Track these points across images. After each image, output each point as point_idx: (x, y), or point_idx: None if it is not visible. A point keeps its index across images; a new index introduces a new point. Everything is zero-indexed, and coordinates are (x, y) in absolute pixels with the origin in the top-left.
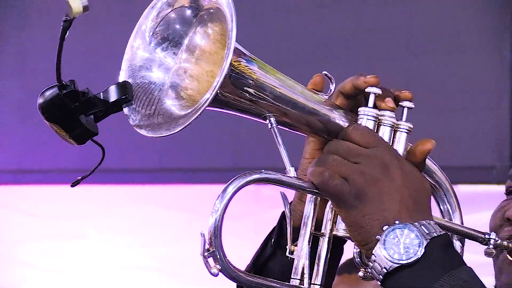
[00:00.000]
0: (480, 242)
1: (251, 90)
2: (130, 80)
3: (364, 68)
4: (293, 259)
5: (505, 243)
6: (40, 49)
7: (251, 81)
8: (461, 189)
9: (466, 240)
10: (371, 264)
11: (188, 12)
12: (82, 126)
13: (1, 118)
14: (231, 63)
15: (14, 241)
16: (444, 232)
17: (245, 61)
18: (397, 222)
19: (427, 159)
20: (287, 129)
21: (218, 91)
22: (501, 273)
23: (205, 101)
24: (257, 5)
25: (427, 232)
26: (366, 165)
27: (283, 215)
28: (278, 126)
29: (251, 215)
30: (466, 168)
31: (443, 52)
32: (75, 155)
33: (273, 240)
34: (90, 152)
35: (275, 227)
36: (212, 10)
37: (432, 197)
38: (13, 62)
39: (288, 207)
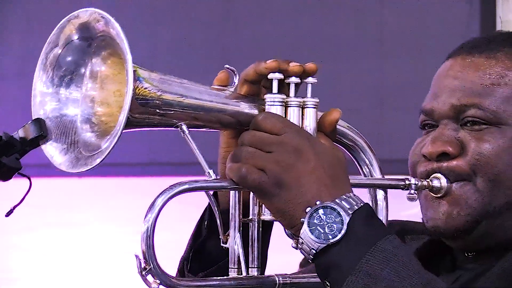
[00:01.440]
0: (402, 189)
1: (158, 108)
2: (42, 116)
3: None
4: (228, 248)
5: (425, 183)
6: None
7: (156, 101)
8: None
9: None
10: (299, 246)
11: (80, 44)
12: (5, 166)
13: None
14: (133, 89)
15: (18, 230)
16: (364, 203)
17: (146, 82)
18: (318, 202)
19: (337, 125)
20: (200, 130)
21: (129, 116)
22: (427, 210)
23: (120, 126)
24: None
25: (348, 207)
26: (279, 152)
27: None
28: (191, 130)
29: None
30: None
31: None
32: None
33: (206, 223)
34: None
35: (205, 209)
36: (103, 37)
37: (352, 158)
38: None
39: (214, 202)
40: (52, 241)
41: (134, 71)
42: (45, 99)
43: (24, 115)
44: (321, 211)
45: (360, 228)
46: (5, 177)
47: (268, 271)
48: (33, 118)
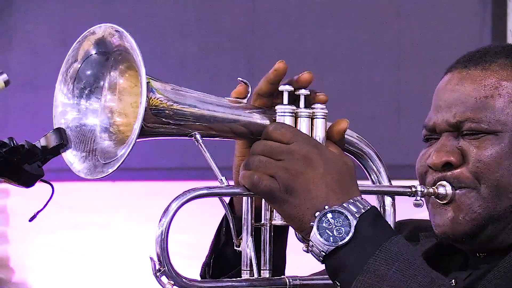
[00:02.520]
0: (408, 195)
1: (172, 118)
2: (63, 126)
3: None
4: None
5: (431, 190)
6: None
7: (170, 111)
8: None
9: None
10: (310, 249)
11: (98, 58)
12: (27, 173)
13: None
14: (147, 100)
15: (49, 231)
16: (371, 206)
17: (159, 93)
18: (326, 207)
19: (346, 135)
20: (214, 139)
21: (143, 125)
22: (435, 216)
23: (134, 135)
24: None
25: (355, 210)
26: (289, 160)
27: (229, 203)
28: (205, 139)
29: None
30: None
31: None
32: None
33: (224, 229)
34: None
35: (223, 216)
36: (120, 51)
37: (361, 166)
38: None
39: (228, 208)
40: (79, 241)
41: (148, 83)
42: (66, 109)
43: (35, 122)
44: (329, 215)
45: (367, 230)
46: (28, 183)
47: (287, 273)
48: (54, 128)
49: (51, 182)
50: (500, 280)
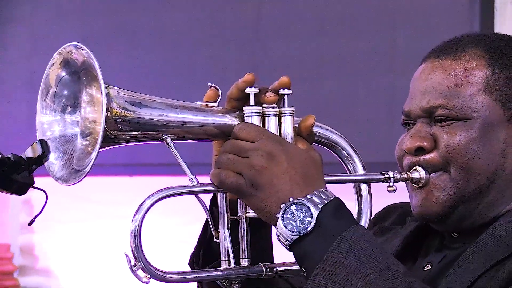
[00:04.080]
0: (382, 182)
1: (139, 125)
2: (45, 137)
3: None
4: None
5: (404, 175)
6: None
7: (135, 119)
8: None
9: None
10: (278, 238)
11: (70, 78)
12: (18, 182)
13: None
14: (111, 112)
15: (71, 221)
16: (334, 197)
17: (122, 103)
18: (291, 199)
19: (314, 129)
20: (189, 141)
21: (109, 132)
22: (412, 199)
23: (97, 145)
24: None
25: (318, 201)
26: (254, 157)
27: (212, 199)
28: (179, 142)
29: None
30: None
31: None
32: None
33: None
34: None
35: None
36: (86, 67)
37: (336, 155)
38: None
39: (204, 204)
40: (99, 231)
41: (107, 93)
42: (48, 122)
43: (31, 130)
44: (293, 207)
45: (328, 220)
46: (20, 192)
47: (280, 260)
48: (37, 139)
49: (44, 189)
50: (472, 260)
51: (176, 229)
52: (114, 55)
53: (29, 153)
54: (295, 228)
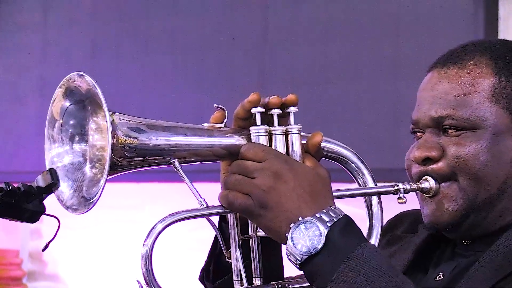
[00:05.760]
0: (392, 193)
1: (145, 152)
2: (54, 166)
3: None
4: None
5: (414, 186)
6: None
7: (140, 146)
8: None
9: None
10: (288, 258)
11: (75, 107)
12: (29, 211)
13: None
14: (117, 139)
15: (80, 227)
16: (343, 215)
17: (126, 130)
18: (300, 218)
19: (322, 143)
20: (197, 163)
21: (115, 160)
22: (423, 208)
23: (105, 173)
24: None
25: (327, 220)
26: (261, 178)
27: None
28: (187, 164)
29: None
30: None
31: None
32: None
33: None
34: None
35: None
36: (90, 95)
37: (345, 169)
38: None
39: (215, 225)
40: (107, 237)
41: (112, 121)
42: (57, 155)
43: (41, 136)
44: (302, 226)
45: (337, 238)
46: (32, 220)
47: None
48: (46, 168)
49: (56, 215)
50: (484, 271)
51: (183, 236)
52: (125, 60)
53: (39, 182)
54: (304, 247)
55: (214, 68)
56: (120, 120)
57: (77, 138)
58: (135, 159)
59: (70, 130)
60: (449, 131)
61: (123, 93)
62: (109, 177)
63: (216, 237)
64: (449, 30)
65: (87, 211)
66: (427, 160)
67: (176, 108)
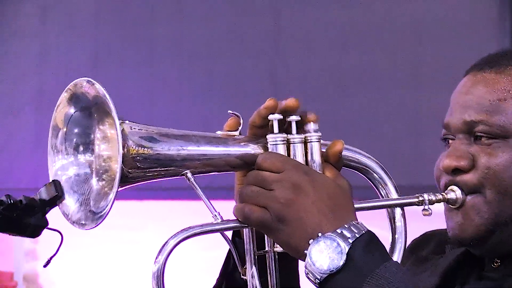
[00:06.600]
0: (417, 205)
1: (157, 162)
2: (58, 177)
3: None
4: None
5: (440, 196)
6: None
7: (153, 156)
8: None
9: None
10: (306, 276)
11: (81, 114)
12: (31, 226)
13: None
14: (128, 150)
15: (76, 247)
16: (365, 230)
17: (138, 139)
18: (319, 234)
19: (346, 150)
20: (211, 174)
21: (126, 171)
22: (447, 220)
23: (115, 183)
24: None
25: (349, 236)
26: (279, 189)
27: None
28: (200, 175)
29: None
30: None
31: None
32: None
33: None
34: None
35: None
36: (97, 102)
37: (367, 180)
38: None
39: (230, 241)
40: (106, 257)
41: (122, 130)
42: (61, 167)
43: (40, 147)
44: (322, 243)
45: (359, 256)
46: (34, 234)
47: None
48: (50, 180)
49: (59, 230)
50: None
51: (192, 255)
52: (129, 69)
53: (42, 194)
54: (324, 265)
55: (223, 76)
56: (131, 129)
57: (81, 148)
58: (147, 170)
59: (75, 139)
60: (481, 138)
61: (126, 103)
62: (119, 189)
63: (228, 254)
64: (474, 37)
65: (96, 226)
66: (456, 171)
67: (182, 118)
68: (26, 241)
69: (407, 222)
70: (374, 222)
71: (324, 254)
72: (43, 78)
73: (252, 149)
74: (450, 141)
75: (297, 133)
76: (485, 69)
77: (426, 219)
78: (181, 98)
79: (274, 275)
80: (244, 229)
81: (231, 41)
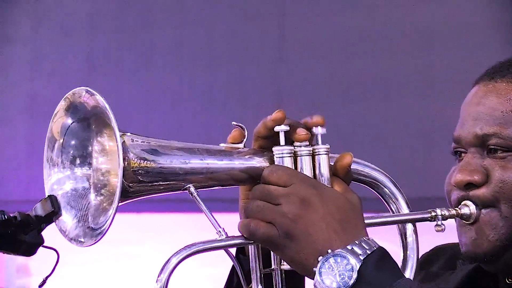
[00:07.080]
0: (429, 221)
1: (159, 176)
2: (54, 193)
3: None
4: None
5: (453, 212)
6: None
7: (154, 169)
8: None
9: None
10: None
11: (79, 125)
12: (26, 243)
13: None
14: (128, 163)
15: (70, 263)
16: (377, 247)
17: (139, 152)
18: (329, 251)
19: (352, 165)
20: (214, 188)
21: (127, 186)
22: (460, 236)
23: (116, 197)
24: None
25: (360, 252)
26: (287, 204)
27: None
28: (204, 190)
29: None
30: None
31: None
32: None
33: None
34: None
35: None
36: (96, 113)
37: (377, 194)
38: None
39: (234, 259)
40: (102, 273)
41: (123, 142)
42: (57, 181)
43: (32, 155)
44: (332, 260)
45: (371, 273)
46: (28, 253)
47: None
48: (46, 195)
49: (55, 248)
50: None
51: (195, 272)
52: (126, 76)
53: (38, 210)
54: (334, 283)
55: (225, 85)
56: (132, 141)
57: (79, 161)
58: (148, 184)
59: (72, 152)
60: (494, 152)
61: (123, 113)
62: (120, 204)
63: (231, 271)
64: (487, 44)
65: (95, 243)
66: (469, 185)
67: (182, 128)
68: (18, 257)
69: (418, 236)
70: (385, 236)
71: (334, 272)
72: (36, 86)
73: (258, 162)
74: (462, 154)
75: (305, 145)
76: (496, 78)
77: (438, 233)
78: (181, 107)
79: None
80: (249, 246)
81: (234, 47)
